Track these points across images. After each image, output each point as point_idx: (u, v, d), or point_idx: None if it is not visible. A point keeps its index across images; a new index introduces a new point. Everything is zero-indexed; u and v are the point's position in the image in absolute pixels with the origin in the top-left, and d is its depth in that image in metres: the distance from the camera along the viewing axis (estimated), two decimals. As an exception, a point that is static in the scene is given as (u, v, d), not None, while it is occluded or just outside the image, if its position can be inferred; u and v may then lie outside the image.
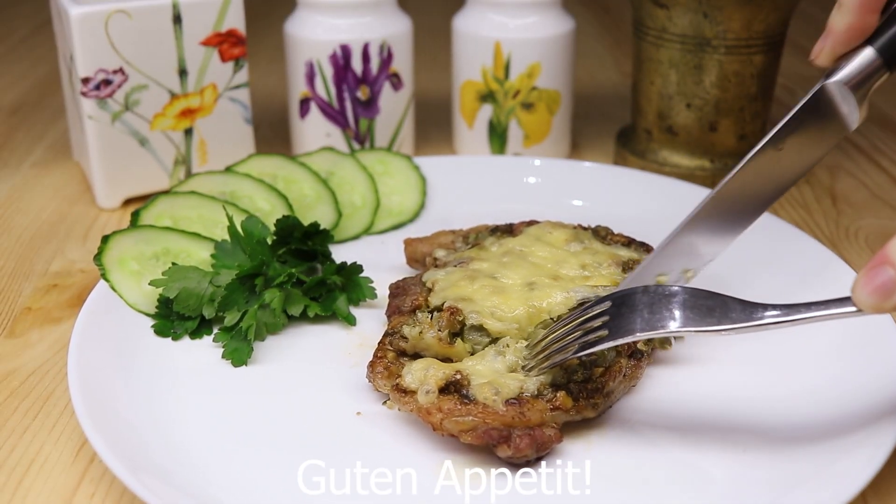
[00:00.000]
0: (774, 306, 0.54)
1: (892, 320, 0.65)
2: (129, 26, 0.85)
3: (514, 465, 0.56)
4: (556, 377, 0.59)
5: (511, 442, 0.55)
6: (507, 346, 0.61)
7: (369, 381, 0.62)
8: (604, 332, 0.56)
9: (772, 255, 0.78)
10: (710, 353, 0.67)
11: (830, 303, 0.52)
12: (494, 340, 0.63)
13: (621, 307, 0.56)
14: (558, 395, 0.58)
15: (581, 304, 0.63)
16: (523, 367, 0.60)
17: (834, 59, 0.61)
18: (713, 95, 0.90)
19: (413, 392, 0.59)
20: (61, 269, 0.81)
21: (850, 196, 0.95)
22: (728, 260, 0.79)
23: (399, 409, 0.61)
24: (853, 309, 0.51)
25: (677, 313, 0.54)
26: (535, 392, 0.58)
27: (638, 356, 0.62)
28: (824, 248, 0.76)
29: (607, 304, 0.57)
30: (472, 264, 0.69)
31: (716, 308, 0.54)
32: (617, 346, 0.60)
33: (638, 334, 0.55)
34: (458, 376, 0.58)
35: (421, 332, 0.62)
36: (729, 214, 0.67)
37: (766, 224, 0.81)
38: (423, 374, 0.59)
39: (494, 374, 0.59)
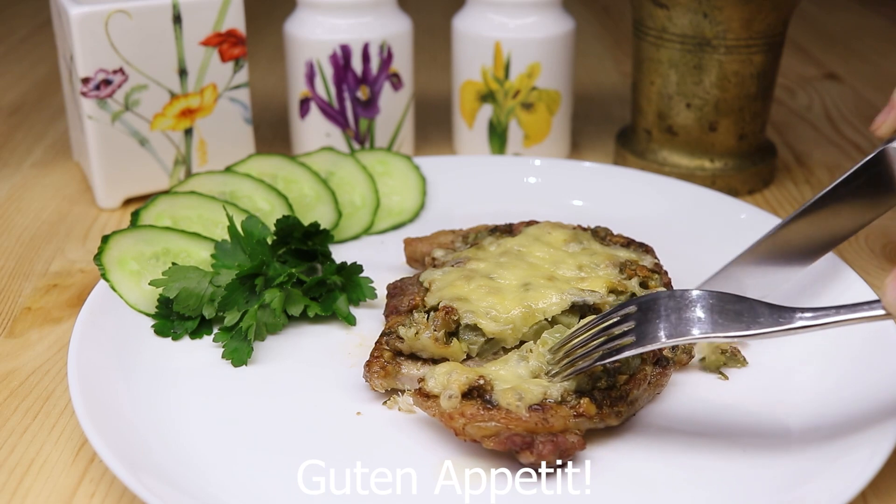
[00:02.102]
0: (803, 310, 0.53)
1: (892, 322, 0.65)
2: (129, 26, 0.85)
3: (532, 466, 0.56)
4: (580, 383, 0.58)
5: (534, 448, 0.55)
6: (531, 350, 0.61)
7: (366, 381, 0.62)
8: (630, 339, 0.55)
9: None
10: (709, 353, 0.67)
11: (859, 307, 0.52)
12: (490, 340, 0.63)
13: (647, 313, 0.55)
14: (582, 402, 0.57)
15: (596, 311, 0.63)
16: (547, 373, 0.59)
17: (894, 131, 0.65)
18: (713, 95, 0.90)
19: (435, 396, 0.58)
20: (61, 269, 0.81)
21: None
22: (728, 258, 0.79)
23: (414, 412, 0.61)
24: (882, 312, 0.51)
25: (705, 318, 0.53)
26: (559, 398, 0.57)
27: (664, 363, 0.62)
28: (824, 248, 0.76)
29: (633, 309, 0.56)
30: (469, 264, 0.69)
31: (744, 312, 0.53)
32: (642, 353, 0.60)
33: (664, 341, 0.54)
34: (482, 381, 0.58)
35: (417, 333, 0.62)
36: (774, 263, 0.68)
37: (768, 224, 0.81)
38: (445, 379, 0.58)
39: (518, 380, 0.59)
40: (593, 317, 0.60)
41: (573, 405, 0.57)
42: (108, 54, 0.85)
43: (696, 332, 0.53)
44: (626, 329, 0.56)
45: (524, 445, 0.55)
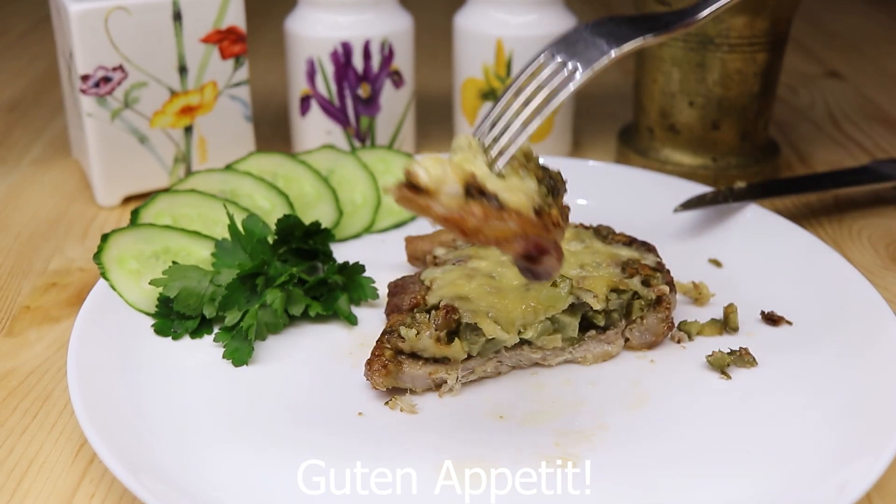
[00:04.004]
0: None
1: (893, 322, 0.65)
2: (128, 23, 0.84)
3: (537, 276, 0.51)
4: (542, 191, 0.53)
5: (552, 253, 0.50)
6: (471, 145, 0.53)
7: (367, 379, 0.62)
8: (574, 67, 0.53)
9: (775, 254, 0.77)
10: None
11: None
12: (490, 340, 0.63)
13: (576, 44, 0.55)
14: (553, 213, 0.52)
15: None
16: (493, 164, 0.53)
17: None
18: (716, 93, 0.90)
19: (430, 192, 0.49)
20: (60, 268, 0.81)
21: (853, 195, 0.95)
22: (731, 258, 0.79)
23: (416, 412, 0.60)
24: None
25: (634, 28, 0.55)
26: (540, 205, 0.52)
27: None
28: (828, 247, 0.75)
29: (555, 53, 0.55)
30: (471, 262, 0.69)
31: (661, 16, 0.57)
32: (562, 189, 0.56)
33: (612, 53, 0.53)
34: (475, 178, 0.50)
35: (418, 333, 0.62)
36: None
37: (770, 223, 0.80)
38: (441, 171, 0.49)
39: (500, 181, 0.51)
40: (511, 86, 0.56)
41: (548, 214, 0.52)
42: (108, 51, 0.84)
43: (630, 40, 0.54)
44: (563, 66, 0.54)
45: (546, 250, 0.49)
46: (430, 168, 0.49)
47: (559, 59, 0.54)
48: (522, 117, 0.54)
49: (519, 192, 0.51)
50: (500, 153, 0.54)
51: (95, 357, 0.63)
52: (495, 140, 0.54)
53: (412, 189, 0.49)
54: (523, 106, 0.54)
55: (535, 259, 0.50)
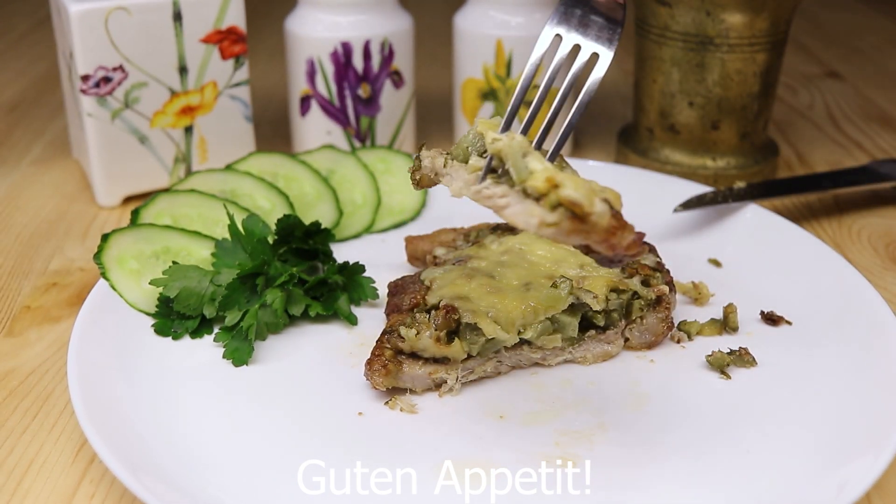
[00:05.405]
0: None
1: (893, 321, 0.65)
2: (129, 23, 0.84)
3: (620, 262, 0.53)
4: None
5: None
6: (522, 145, 0.52)
7: (367, 379, 0.62)
8: (594, 49, 0.52)
9: (775, 254, 0.77)
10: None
11: None
12: (491, 339, 0.63)
13: (580, 23, 0.54)
14: None
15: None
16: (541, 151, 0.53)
17: None
18: (715, 94, 0.90)
19: (589, 214, 0.49)
20: (60, 268, 0.81)
21: (852, 195, 0.95)
22: (731, 257, 0.79)
23: (416, 412, 0.60)
24: None
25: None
26: None
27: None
28: (827, 247, 0.75)
29: (561, 35, 0.54)
30: (471, 262, 0.69)
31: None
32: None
33: (619, 28, 0.53)
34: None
35: (418, 333, 0.62)
36: None
37: (770, 222, 0.81)
38: (587, 191, 0.49)
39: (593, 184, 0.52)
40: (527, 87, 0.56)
41: None
42: (108, 51, 0.84)
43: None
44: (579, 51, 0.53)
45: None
46: (581, 191, 0.49)
47: (571, 42, 0.52)
48: (556, 108, 0.53)
49: (611, 192, 0.51)
50: (544, 149, 0.53)
51: (95, 357, 0.63)
52: (531, 137, 0.54)
53: (579, 218, 0.49)
54: (553, 96, 0.53)
55: (643, 249, 0.52)
